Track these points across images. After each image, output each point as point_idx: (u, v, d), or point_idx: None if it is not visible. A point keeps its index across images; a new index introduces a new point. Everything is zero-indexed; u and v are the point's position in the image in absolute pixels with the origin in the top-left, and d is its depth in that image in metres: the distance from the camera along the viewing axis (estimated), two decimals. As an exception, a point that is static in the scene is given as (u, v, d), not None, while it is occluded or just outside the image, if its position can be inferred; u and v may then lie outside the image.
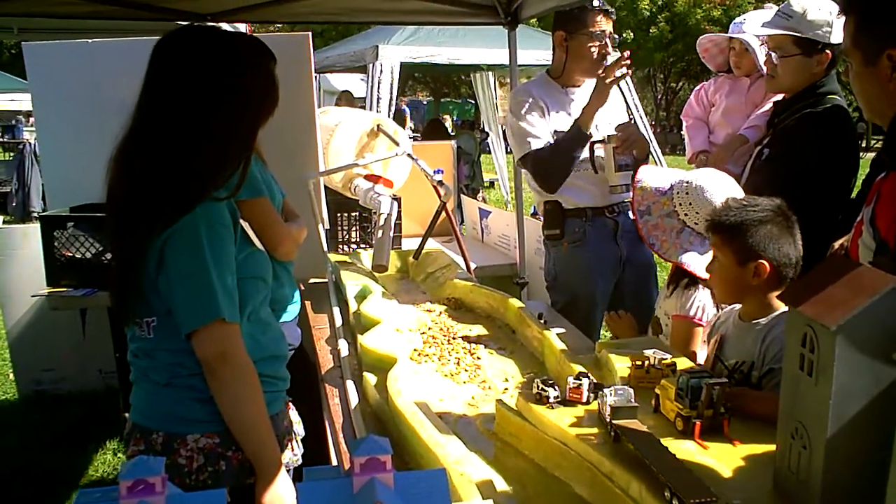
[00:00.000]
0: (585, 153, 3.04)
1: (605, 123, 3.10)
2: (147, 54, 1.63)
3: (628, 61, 2.95)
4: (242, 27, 3.97)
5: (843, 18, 1.64)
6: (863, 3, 1.60)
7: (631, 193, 2.64)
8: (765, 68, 2.84)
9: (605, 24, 3.04)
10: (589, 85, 3.09)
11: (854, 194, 2.50)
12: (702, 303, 2.38)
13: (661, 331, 2.55)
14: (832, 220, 2.43)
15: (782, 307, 1.88)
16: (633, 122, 3.21)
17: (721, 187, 2.36)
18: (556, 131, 3.06)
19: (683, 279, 2.43)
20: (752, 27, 2.79)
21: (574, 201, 3.09)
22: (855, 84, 1.64)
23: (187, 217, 1.53)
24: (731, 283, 1.95)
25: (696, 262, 2.35)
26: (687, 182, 2.39)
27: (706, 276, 2.31)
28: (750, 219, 1.89)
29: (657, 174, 2.53)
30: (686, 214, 2.38)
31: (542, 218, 3.27)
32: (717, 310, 2.39)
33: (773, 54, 2.65)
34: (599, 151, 3.03)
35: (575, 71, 3.11)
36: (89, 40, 3.40)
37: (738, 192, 2.36)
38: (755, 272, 1.89)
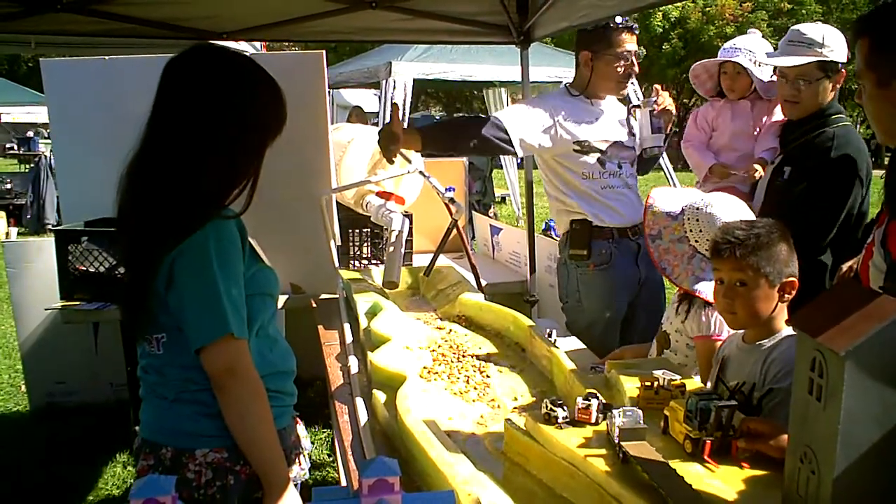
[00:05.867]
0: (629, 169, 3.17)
1: (605, 137, 3.15)
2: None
3: None
4: (258, 45, 4.01)
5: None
6: (877, 26, 1.62)
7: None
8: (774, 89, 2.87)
9: (629, 43, 3.06)
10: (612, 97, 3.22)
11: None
12: (718, 319, 2.36)
13: (669, 346, 2.53)
14: (844, 241, 2.44)
15: (786, 328, 1.88)
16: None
17: (733, 212, 2.32)
18: (582, 141, 3.07)
19: (698, 299, 2.41)
20: (762, 56, 2.83)
21: (605, 219, 3.10)
22: (868, 106, 1.64)
23: (196, 234, 1.54)
24: (765, 306, 1.89)
25: (710, 289, 2.34)
26: (697, 207, 2.36)
27: None
28: (772, 239, 1.88)
29: (668, 197, 2.51)
30: (697, 241, 2.35)
31: (558, 236, 3.27)
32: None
33: (800, 81, 2.68)
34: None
35: (600, 89, 3.14)
36: (106, 58, 3.44)
37: (750, 216, 2.33)
38: (787, 290, 1.88)
